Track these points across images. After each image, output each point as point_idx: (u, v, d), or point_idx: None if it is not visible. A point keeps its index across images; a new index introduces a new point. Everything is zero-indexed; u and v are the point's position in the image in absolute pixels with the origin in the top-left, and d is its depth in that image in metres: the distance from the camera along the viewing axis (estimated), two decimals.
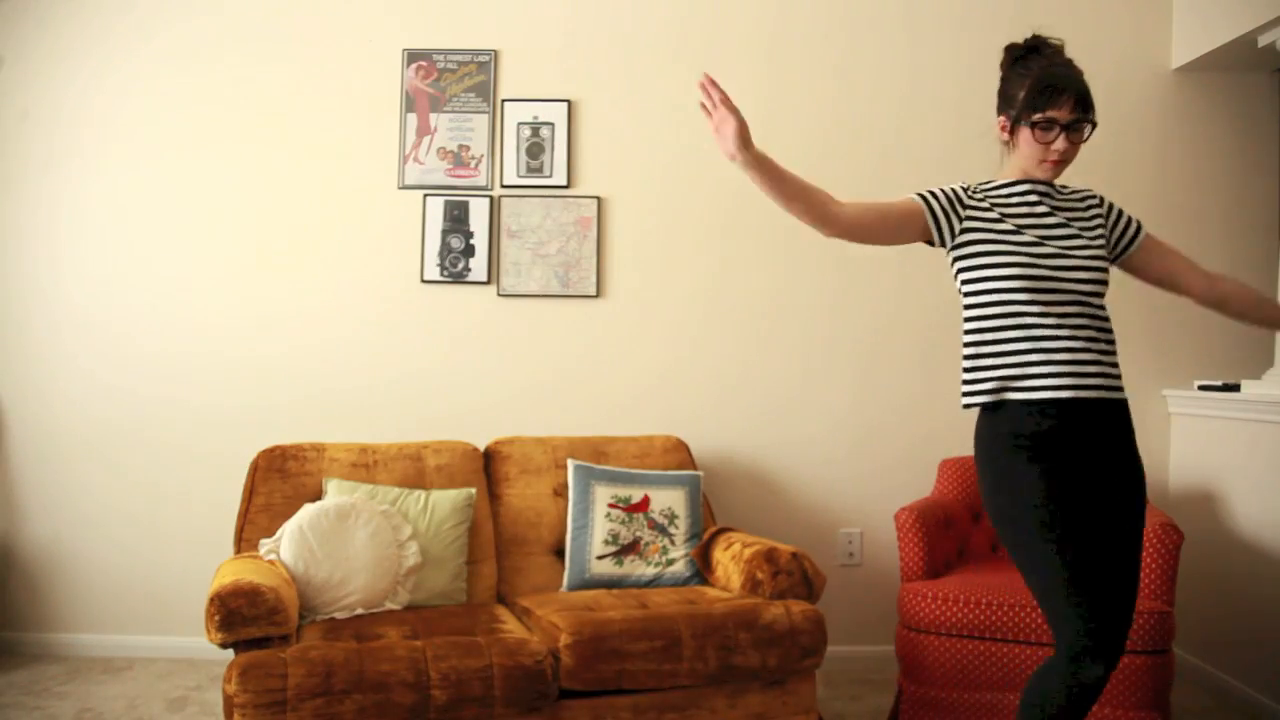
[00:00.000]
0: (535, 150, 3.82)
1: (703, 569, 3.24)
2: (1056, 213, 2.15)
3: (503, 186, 3.83)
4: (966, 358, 2.16)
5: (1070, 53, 2.20)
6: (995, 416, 2.12)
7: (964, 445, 3.72)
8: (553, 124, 3.82)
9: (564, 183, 3.82)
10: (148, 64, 3.82)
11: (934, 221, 2.14)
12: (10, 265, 3.83)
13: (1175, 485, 3.71)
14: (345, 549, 2.92)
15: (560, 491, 3.36)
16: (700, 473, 3.45)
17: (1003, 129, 2.18)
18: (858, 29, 3.85)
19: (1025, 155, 2.14)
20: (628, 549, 3.25)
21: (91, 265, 3.83)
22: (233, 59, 3.82)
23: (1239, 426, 3.42)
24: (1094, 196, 2.22)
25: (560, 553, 3.31)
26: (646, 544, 3.27)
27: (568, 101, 3.82)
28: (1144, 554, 2.82)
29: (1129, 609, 2.06)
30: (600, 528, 3.25)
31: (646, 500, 3.31)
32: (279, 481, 3.17)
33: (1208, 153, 3.85)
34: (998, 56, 3.76)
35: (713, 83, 2.03)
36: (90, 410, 3.81)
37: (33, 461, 3.82)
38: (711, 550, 3.23)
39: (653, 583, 3.22)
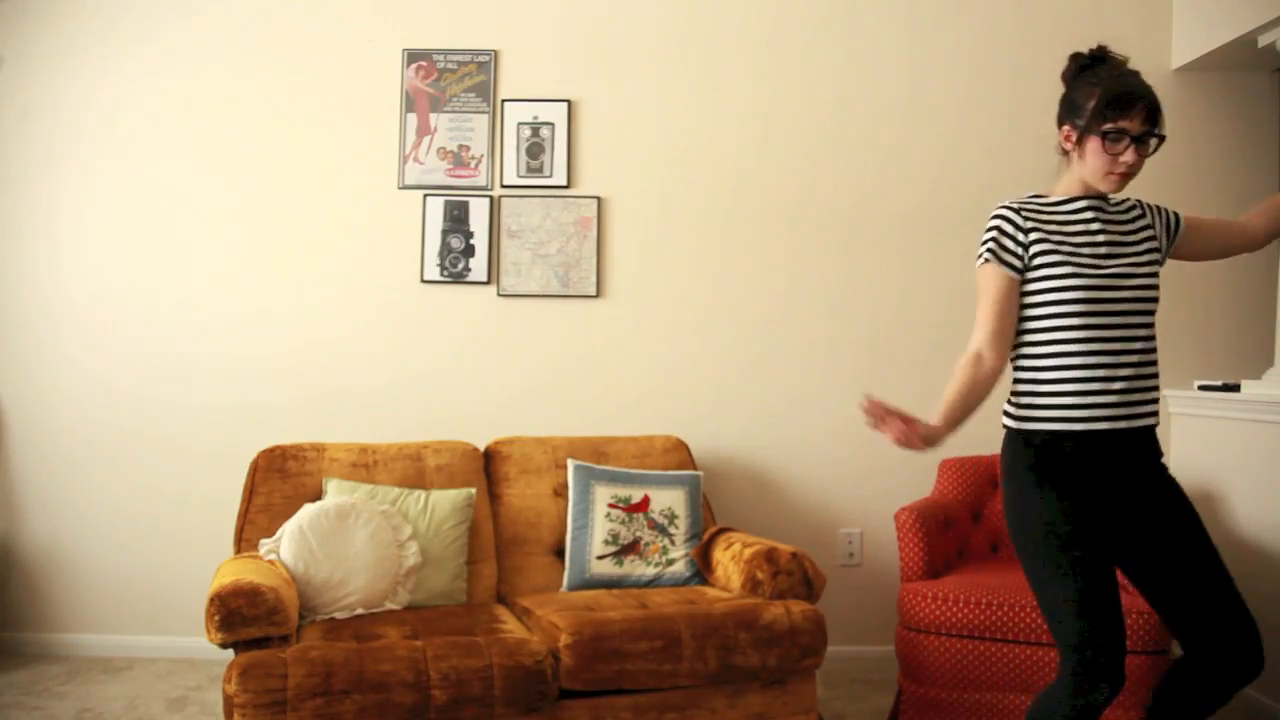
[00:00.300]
0: (535, 150, 3.82)
1: (703, 569, 3.24)
2: (1110, 229, 2.11)
3: (503, 186, 3.83)
4: (1021, 382, 2.12)
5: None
6: (1034, 436, 2.09)
7: (964, 445, 3.71)
8: (553, 124, 3.82)
9: (564, 183, 3.82)
10: (148, 64, 3.82)
11: (1009, 267, 2.10)
12: (10, 265, 3.83)
13: None
14: (345, 549, 2.92)
15: (560, 491, 3.36)
16: (700, 473, 3.45)
17: (1066, 139, 2.12)
18: (858, 28, 3.84)
19: (1091, 167, 2.08)
20: (628, 549, 3.25)
21: (91, 265, 3.82)
22: (233, 59, 3.82)
23: (1239, 426, 3.42)
24: (1136, 206, 2.18)
25: (560, 553, 3.31)
26: (646, 544, 3.26)
27: (568, 101, 3.82)
28: None
29: (1233, 612, 2.08)
30: (600, 528, 3.25)
31: (646, 500, 3.31)
32: (279, 481, 3.17)
33: (1208, 153, 3.84)
34: (998, 56, 3.78)
35: (873, 405, 2.06)
36: (90, 410, 3.81)
37: (33, 461, 3.82)
38: (711, 550, 3.23)
39: (653, 583, 3.22)
